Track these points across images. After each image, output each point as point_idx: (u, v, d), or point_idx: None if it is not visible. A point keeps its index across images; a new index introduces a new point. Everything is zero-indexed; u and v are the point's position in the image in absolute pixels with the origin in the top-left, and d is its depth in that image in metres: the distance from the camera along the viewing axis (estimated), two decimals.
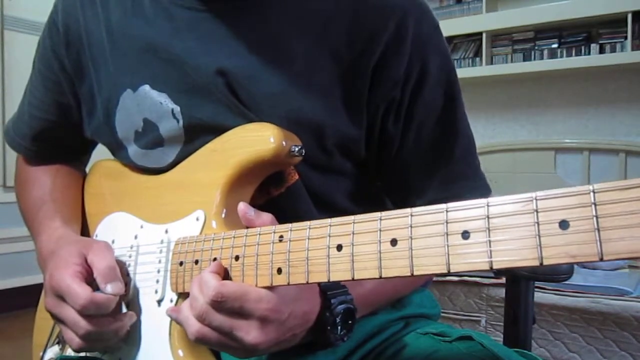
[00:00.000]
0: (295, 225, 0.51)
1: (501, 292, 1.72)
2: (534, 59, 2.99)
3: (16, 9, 2.76)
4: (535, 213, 0.36)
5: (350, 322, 0.56)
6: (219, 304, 0.50)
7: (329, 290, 0.56)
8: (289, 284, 0.50)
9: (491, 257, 0.38)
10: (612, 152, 2.87)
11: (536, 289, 1.16)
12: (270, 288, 0.51)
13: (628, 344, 1.60)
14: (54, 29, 0.76)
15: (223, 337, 0.52)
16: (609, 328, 1.63)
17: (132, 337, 0.64)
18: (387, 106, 0.66)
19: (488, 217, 0.39)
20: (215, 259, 0.56)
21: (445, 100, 0.68)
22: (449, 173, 0.69)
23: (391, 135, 0.67)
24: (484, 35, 3.09)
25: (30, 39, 2.70)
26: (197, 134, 0.66)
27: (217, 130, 0.64)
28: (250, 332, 0.51)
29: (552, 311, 1.71)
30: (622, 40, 2.72)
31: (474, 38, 3.15)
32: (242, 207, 0.56)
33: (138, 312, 0.65)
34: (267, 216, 0.56)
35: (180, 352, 0.60)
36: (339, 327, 0.55)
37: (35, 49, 0.81)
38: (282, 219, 0.55)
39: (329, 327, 0.55)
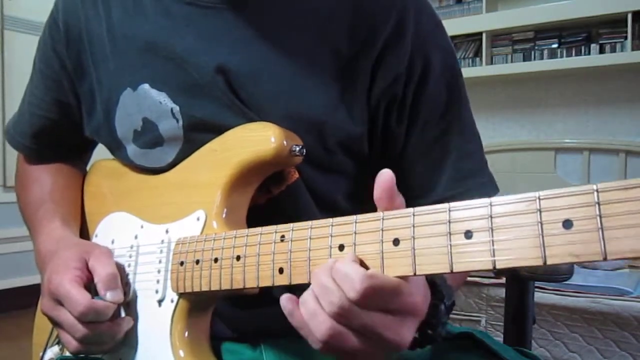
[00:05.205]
0: (296, 225, 0.50)
1: (501, 292, 1.72)
2: (534, 59, 2.98)
3: (16, 9, 2.76)
4: (538, 212, 0.36)
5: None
6: (367, 300, 0.42)
7: (437, 279, 0.50)
8: (290, 284, 0.49)
9: (494, 257, 0.38)
10: (612, 152, 2.86)
11: (536, 289, 1.15)
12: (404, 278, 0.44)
13: (628, 344, 1.60)
14: (55, 28, 0.76)
15: (362, 338, 0.44)
16: (609, 328, 1.63)
17: (132, 337, 0.64)
18: (388, 103, 0.65)
19: (491, 217, 0.39)
20: (216, 259, 0.56)
21: (449, 95, 0.67)
22: (456, 170, 0.68)
23: (395, 133, 0.67)
24: (484, 35, 3.08)
25: (30, 39, 2.70)
26: (197, 133, 0.66)
27: (217, 129, 0.64)
28: (399, 331, 0.44)
29: (552, 311, 1.71)
30: (622, 40, 2.72)
31: (474, 38, 3.14)
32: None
33: (138, 312, 0.64)
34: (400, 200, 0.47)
35: (181, 352, 0.60)
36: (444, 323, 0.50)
37: (36, 48, 0.80)
38: (282, 218, 0.55)
39: (439, 321, 0.49)
